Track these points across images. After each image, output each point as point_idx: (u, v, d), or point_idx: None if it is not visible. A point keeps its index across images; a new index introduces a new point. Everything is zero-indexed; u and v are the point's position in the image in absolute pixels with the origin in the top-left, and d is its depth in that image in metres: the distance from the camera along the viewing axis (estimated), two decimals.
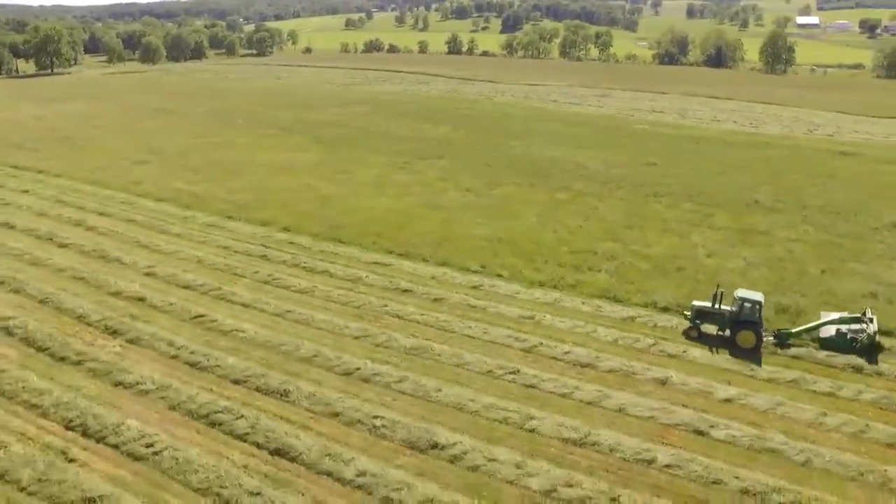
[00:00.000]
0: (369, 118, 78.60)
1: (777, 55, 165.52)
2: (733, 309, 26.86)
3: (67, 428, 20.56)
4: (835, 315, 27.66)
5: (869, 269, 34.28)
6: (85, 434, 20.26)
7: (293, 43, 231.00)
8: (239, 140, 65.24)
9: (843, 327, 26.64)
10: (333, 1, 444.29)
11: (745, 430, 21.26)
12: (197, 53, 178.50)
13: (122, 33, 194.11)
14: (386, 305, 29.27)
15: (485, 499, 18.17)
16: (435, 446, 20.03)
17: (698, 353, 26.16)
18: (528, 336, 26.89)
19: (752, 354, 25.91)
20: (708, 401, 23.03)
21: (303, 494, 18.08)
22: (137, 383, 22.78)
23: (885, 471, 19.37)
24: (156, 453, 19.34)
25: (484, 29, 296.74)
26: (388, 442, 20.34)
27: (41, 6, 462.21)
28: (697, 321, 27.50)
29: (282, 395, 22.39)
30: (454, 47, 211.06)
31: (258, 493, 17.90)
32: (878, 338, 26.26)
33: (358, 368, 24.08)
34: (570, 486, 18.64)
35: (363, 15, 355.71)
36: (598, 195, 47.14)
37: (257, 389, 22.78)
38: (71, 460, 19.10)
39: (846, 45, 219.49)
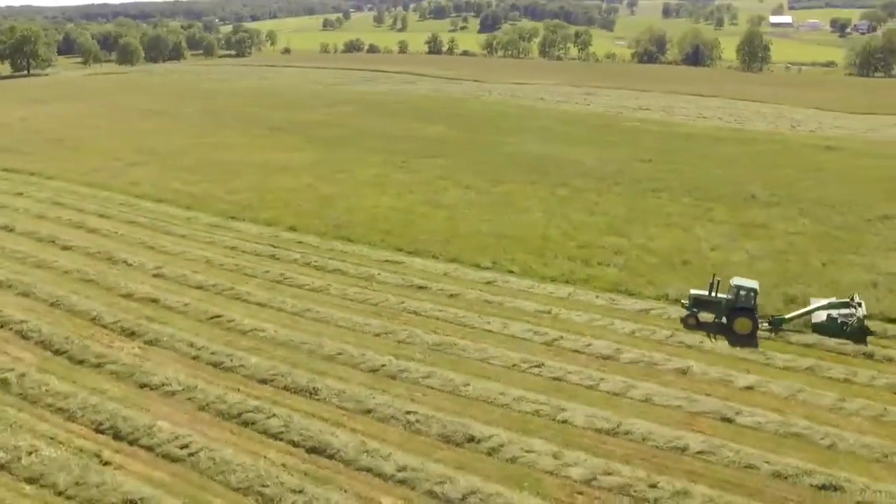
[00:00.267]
0: (361, 118, 78.36)
1: (753, 53, 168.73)
2: (729, 297, 27.65)
3: (97, 431, 20.24)
4: (824, 301, 28.55)
5: (867, 260, 35.20)
6: (116, 437, 19.96)
7: (272, 44, 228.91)
8: (233, 140, 64.59)
9: (834, 312, 27.62)
10: (310, 1, 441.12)
11: (769, 417, 21.74)
12: (175, 54, 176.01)
13: (97, 34, 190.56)
14: (403, 302, 29.30)
15: (526, 489, 18.33)
16: (471, 440, 20.14)
17: (715, 343, 26.68)
18: (547, 330, 27.15)
19: (750, 340, 26.62)
20: (729, 389, 23.49)
21: (345, 491, 18.05)
22: (163, 384, 22.51)
23: None
24: (191, 454, 19.14)
25: (462, 28, 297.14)
26: (424, 437, 20.40)
27: (9, 6, 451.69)
28: (694, 309, 28.21)
29: (311, 394, 22.30)
30: (434, 47, 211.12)
31: (300, 491, 17.82)
32: (866, 322, 27.22)
33: (383, 365, 24.08)
34: (609, 474, 18.90)
35: (341, 15, 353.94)
36: (597, 191, 47.66)
37: (285, 388, 22.65)
38: (106, 463, 18.81)
39: (818, 44, 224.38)
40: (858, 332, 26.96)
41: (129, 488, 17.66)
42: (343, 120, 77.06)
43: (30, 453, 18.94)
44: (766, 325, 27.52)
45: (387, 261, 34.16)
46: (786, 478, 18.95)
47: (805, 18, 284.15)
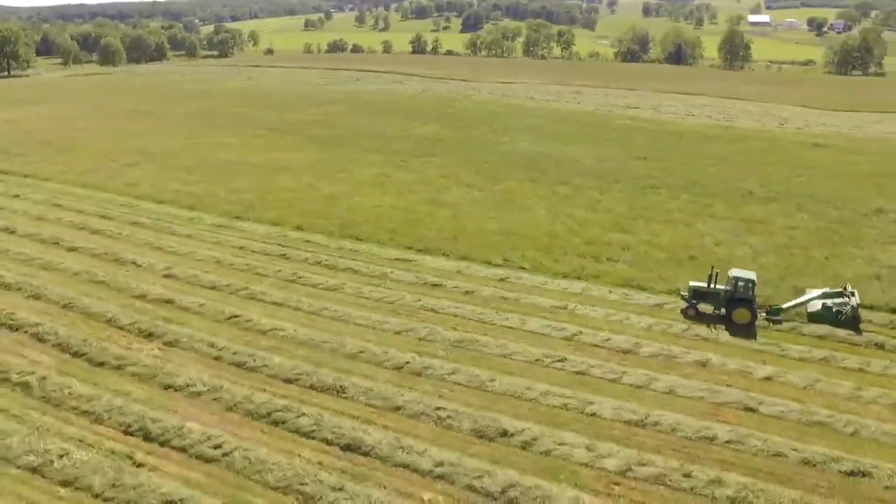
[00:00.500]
0: (353, 117, 78.05)
1: (735, 52, 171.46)
2: (728, 288, 28.23)
3: (126, 433, 20.02)
4: (818, 291, 29.36)
5: (867, 253, 35.99)
6: (146, 438, 19.76)
7: (254, 44, 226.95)
8: (226, 140, 63.96)
9: (829, 301, 28.44)
10: (290, 1, 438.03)
11: (790, 406, 22.19)
12: (157, 55, 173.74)
13: (76, 35, 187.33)
14: (419, 300, 29.34)
15: (563, 481, 18.52)
16: (504, 434, 20.29)
17: (730, 336, 27.14)
18: (565, 325, 27.39)
19: (748, 330, 27.30)
20: (749, 380, 23.93)
21: (384, 487, 18.08)
22: (188, 385, 22.32)
23: None
24: (225, 454, 19.03)
25: (445, 28, 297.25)
26: (456, 432, 20.49)
27: None
28: (694, 301, 28.77)
29: (338, 392, 22.27)
30: (419, 47, 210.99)
31: (340, 489, 17.82)
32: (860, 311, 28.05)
33: (407, 363, 24.12)
34: (643, 464, 19.18)
35: (322, 16, 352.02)
36: (598, 188, 48.08)
37: (311, 387, 22.59)
38: (139, 465, 18.62)
39: (796, 43, 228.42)
40: (853, 321, 27.80)
41: (167, 490, 17.51)
42: (335, 120, 76.71)
43: (61, 456, 18.70)
44: (764, 314, 28.26)
45: (397, 259, 34.16)
46: (814, 465, 19.38)
47: (782, 18, 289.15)
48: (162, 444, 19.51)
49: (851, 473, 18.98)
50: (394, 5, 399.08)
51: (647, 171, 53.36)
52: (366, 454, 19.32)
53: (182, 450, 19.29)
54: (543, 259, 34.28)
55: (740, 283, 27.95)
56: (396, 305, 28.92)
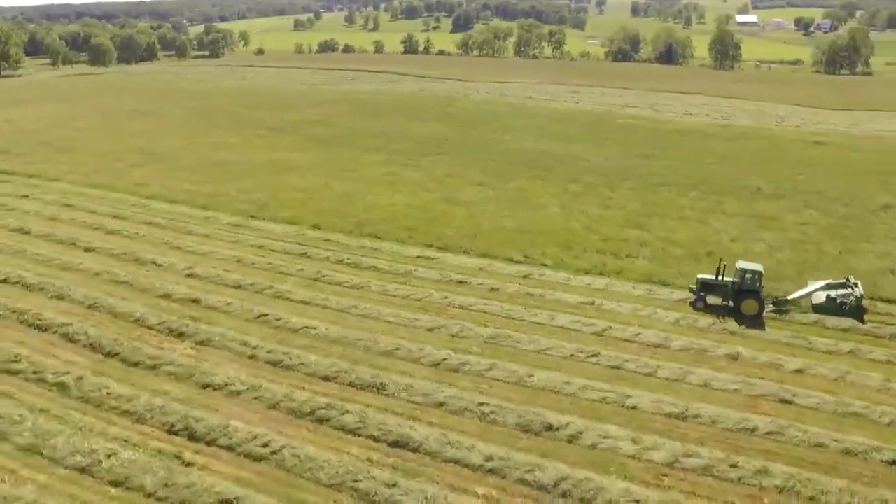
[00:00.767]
0: (354, 117, 77.89)
1: (725, 52, 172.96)
2: (736, 280, 28.66)
3: (170, 432, 19.87)
4: (821, 283, 29.90)
5: (880, 248, 36.56)
6: (192, 438, 19.63)
7: (245, 44, 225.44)
8: (228, 140, 63.57)
9: (833, 293, 29.02)
10: (279, 2, 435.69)
11: (824, 398, 22.50)
12: (148, 55, 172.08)
13: (64, 35, 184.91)
14: (447, 297, 29.38)
15: (612, 474, 18.65)
16: (549, 428, 20.40)
17: (757, 330, 27.46)
18: (594, 321, 27.58)
19: (756, 321, 27.79)
20: (780, 373, 24.23)
21: (437, 482, 18.10)
22: (226, 384, 22.19)
23: None
24: (274, 453, 18.94)
25: (435, 28, 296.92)
26: (501, 427, 20.56)
27: None
28: (702, 293, 29.17)
29: (378, 389, 22.25)
30: (410, 47, 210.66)
31: (394, 485, 17.82)
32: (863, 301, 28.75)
33: (444, 359, 24.16)
34: (689, 456, 19.36)
35: (312, 16, 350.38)
36: (608, 186, 48.38)
37: (350, 385, 22.54)
38: (188, 464, 18.49)
39: (783, 42, 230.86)
40: (857, 311, 28.40)
41: (220, 488, 17.41)
42: (336, 119, 76.50)
43: (108, 456, 18.52)
44: (771, 305, 28.75)
45: (419, 257, 34.18)
46: (855, 455, 19.68)
47: (769, 18, 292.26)
48: (208, 444, 19.38)
49: (893, 462, 19.29)
50: (383, 5, 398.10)
51: (654, 169, 53.77)
52: (414, 450, 19.33)
53: (229, 449, 19.18)
54: (564, 256, 34.45)
55: (748, 275, 28.44)
56: (424, 303, 28.94)
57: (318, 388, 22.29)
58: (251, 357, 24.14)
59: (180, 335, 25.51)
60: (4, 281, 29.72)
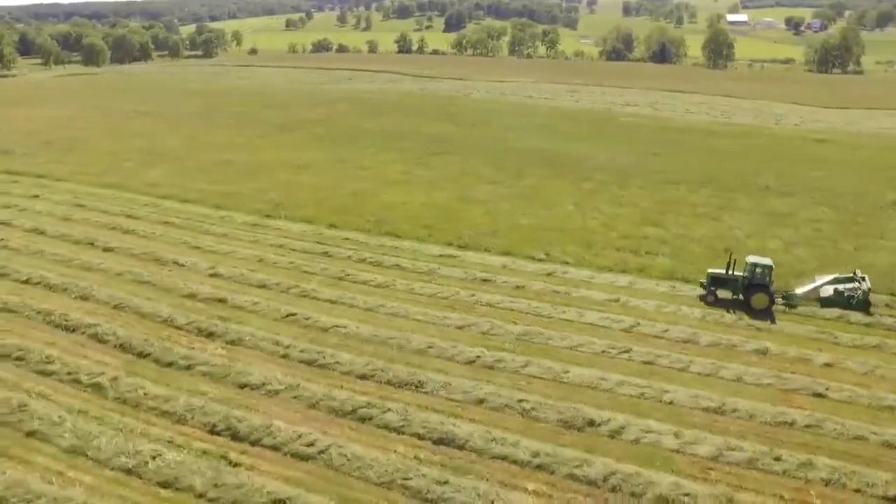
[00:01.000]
0: (358, 116, 77.69)
1: (718, 51, 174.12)
2: (746, 274, 28.99)
3: (212, 433, 19.74)
4: (829, 277, 30.37)
5: (895, 244, 36.92)
6: (235, 438, 19.50)
7: (238, 44, 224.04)
8: (234, 140, 63.21)
9: (840, 286, 29.47)
10: (269, 1, 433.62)
11: (857, 391, 22.73)
12: (141, 55, 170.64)
13: (55, 34, 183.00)
14: (473, 295, 29.40)
15: (659, 468, 18.74)
16: (591, 423, 20.47)
17: (783, 324, 27.70)
18: (621, 317, 27.70)
19: (766, 314, 28.12)
20: (810, 367, 24.45)
21: (487, 479, 18.10)
22: (263, 384, 22.07)
23: None
24: (321, 452, 18.86)
25: (427, 28, 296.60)
26: (544, 423, 20.61)
27: None
28: (712, 287, 29.47)
29: (417, 387, 22.22)
30: (404, 46, 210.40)
31: (445, 482, 17.80)
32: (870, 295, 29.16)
33: (478, 357, 24.17)
34: (732, 449, 19.50)
35: (303, 15, 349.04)
36: (620, 184, 48.58)
37: (388, 383, 22.50)
38: (235, 464, 18.38)
39: (774, 42, 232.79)
40: (864, 304, 28.85)
41: (272, 488, 17.32)
42: (340, 118, 76.31)
43: (154, 457, 18.38)
44: (781, 299, 29.13)
45: (441, 255, 34.18)
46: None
47: (759, 17, 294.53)
48: (253, 444, 19.27)
49: None
50: (374, 4, 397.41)
51: (663, 167, 54.06)
52: (460, 447, 19.33)
53: (275, 448, 19.07)
54: (584, 253, 34.58)
55: (758, 269, 28.83)
56: (451, 301, 28.93)
57: (356, 387, 22.22)
58: (284, 356, 24.03)
59: (210, 335, 25.35)
60: (27, 282, 29.40)
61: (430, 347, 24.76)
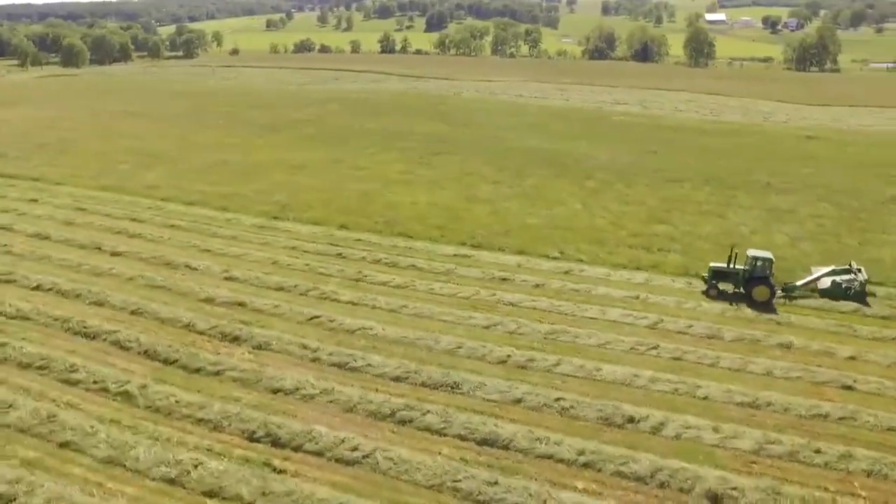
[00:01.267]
0: (351, 116, 77.20)
1: (700, 49, 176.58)
2: (746, 267, 29.50)
3: (251, 440, 19.33)
4: (826, 269, 31.08)
5: None
6: (275, 444, 19.12)
7: (219, 45, 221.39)
8: (228, 141, 62.38)
9: (837, 278, 30.15)
10: (248, 1, 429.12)
11: (885, 383, 23.08)
12: (121, 56, 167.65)
13: (30, 35, 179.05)
14: (494, 294, 29.31)
15: (702, 462, 18.83)
16: (631, 420, 20.50)
17: (802, 318, 28.06)
18: (644, 314, 27.82)
19: (767, 306, 28.67)
20: (835, 360, 24.79)
21: (535, 479, 18.01)
22: (297, 388, 21.71)
23: None
24: (365, 456, 18.59)
25: (409, 28, 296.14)
26: (584, 421, 20.58)
27: None
28: (714, 281, 29.94)
29: (452, 388, 22.04)
30: (387, 46, 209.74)
31: (495, 483, 17.66)
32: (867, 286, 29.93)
33: (509, 356, 24.08)
34: (772, 443, 19.66)
35: (284, 16, 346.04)
36: (622, 183, 48.87)
37: (423, 385, 22.28)
38: (280, 471, 18.03)
39: (752, 40, 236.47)
40: (860, 295, 29.54)
41: (322, 495, 17.01)
42: (333, 118, 75.77)
43: (195, 466, 17.94)
44: (781, 291, 29.69)
45: (456, 255, 34.04)
46: None
47: (736, 16, 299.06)
48: (295, 450, 18.92)
49: None
50: (354, 5, 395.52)
51: (662, 165, 54.54)
52: (505, 448, 19.21)
53: (318, 454, 18.74)
54: (598, 251, 34.71)
55: (758, 262, 29.33)
56: (473, 301, 28.81)
57: (392, 390, 21.98)
58: (314, 360, 23.68)
59: (235, 339, 24.90)
60: (37, 288, 28.60)
61: (459, 348, 24.60)
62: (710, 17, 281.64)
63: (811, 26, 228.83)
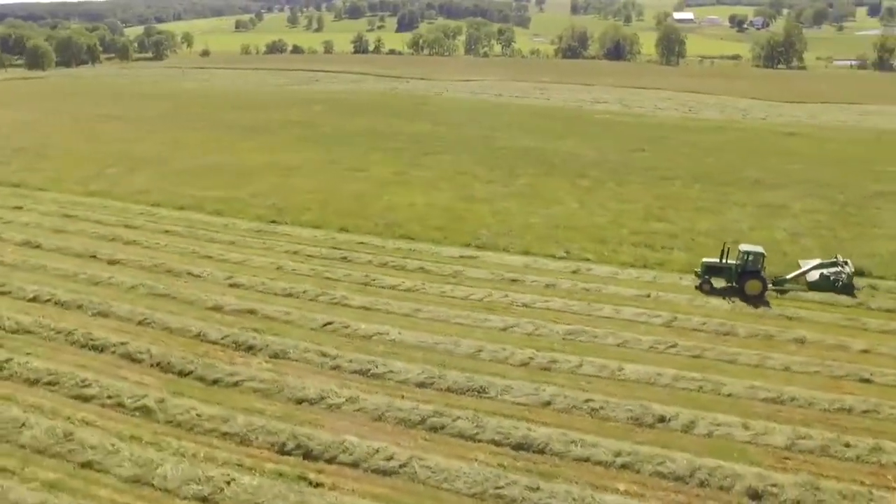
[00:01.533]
0: (335, 117, 76.36)
1: (671, 48, 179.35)
2: (739, 262, 30.03)
3: (282, 453, 18.72)
4: (814, 262, 31.78)
5: (891, 232, 38.51)
6: (308, 457, 18.54)
7: (189, 46, 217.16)
8: (214, 143, 61.13)
9: (825, 271, 30.91)
10: (216, 3, 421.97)
11: None
12: (88, 57, 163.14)
13: None
14: (507, 296, 29.09)
15: (737, 459, 18.87)
16: (662, 420, 20.44)
17: (811, 312, 28.46)
18: (658, 312, 27.89)
19: (760, 299, 29.18)
20: (848, 353, 25.13)
21: (576, 483, 17.82)
22: (322, 398, 21.13)
23: None
24: (402, 465, 18.14)
25: (380, 28, 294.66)
26: (615, 422, 20.47)
27: None
28: (707, 276, 30.37)
29: (479, 393, 21.73)
30: (360, 47, 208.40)
31: (537, 488, 17.40)
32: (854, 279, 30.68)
33: (531, 358, 23.85)
34: (802, 438, 19.76)
35: (253, 16, 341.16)
36: (615, 181, 49.18)
37: (448, 390, 21.92)
38: (317, 485, 17.48)
39: (720, 39, 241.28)
40: (848, 288, 30.30)
41: None
42: (319, 119, 74.83)
43: (228, 483, 17.29)
44: (772, 285, 30.26)
45: (461, 257, 33.73)
46: None
47: (703, 15, 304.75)
48: (329, 462, 18.37)
49: None
50: (324, 5, 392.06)
51: (652, 163, 55.05)
52: (541, 452, 18.96)
53: (353, 465, 18.23)
54: (602, 250, 34.76)
55: (750, 257, 29.89)
56: (486, 303, 28.55)
57: (418, 396, 21.57)
58: (334, 368, 23.13)
59: (250, 349, 24.19)
60: (34, 299, 27.42)
61: (479, 351, 24.30)
62: (678, 15, 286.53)
63: (776, 25, 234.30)
